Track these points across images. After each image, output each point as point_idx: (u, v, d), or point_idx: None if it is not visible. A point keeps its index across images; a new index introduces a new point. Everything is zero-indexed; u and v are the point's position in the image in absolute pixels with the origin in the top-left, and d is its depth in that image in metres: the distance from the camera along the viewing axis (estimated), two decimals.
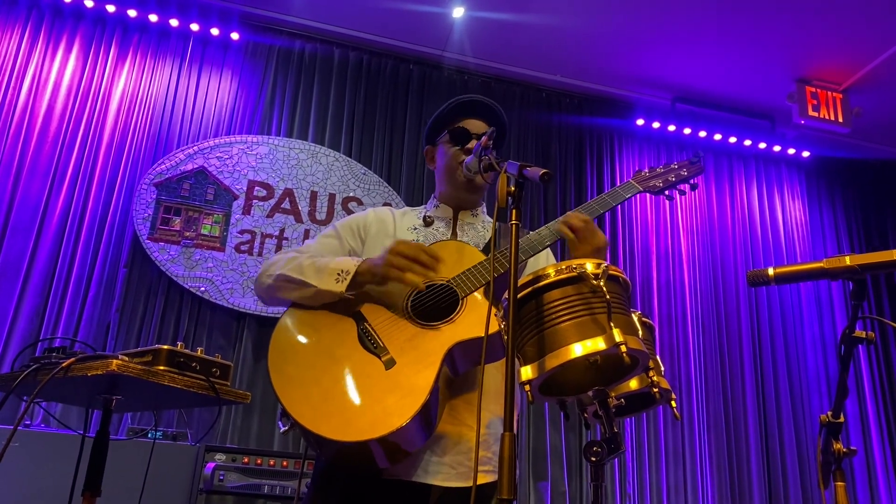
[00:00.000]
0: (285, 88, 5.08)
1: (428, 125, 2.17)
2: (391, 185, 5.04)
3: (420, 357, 1.67)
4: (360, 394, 1.65)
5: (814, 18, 4.83)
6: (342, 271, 1.78)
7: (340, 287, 1.76)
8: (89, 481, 1.93)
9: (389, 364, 1.68)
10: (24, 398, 1.91)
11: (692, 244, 5.64)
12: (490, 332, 1.43)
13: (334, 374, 1.69)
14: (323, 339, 1.77)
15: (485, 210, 2.17)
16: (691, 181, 2.08)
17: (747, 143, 5.97)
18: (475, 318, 1.71)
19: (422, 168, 5.17)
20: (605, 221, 5.41)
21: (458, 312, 1.74)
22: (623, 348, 1.32)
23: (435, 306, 1.78)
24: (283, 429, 1.68)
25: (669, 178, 2.06)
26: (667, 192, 2.06)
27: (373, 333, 1.75)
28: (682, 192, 2.08)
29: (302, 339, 1.79)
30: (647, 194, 2.04)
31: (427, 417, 1.64)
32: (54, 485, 3.03)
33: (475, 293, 1.76)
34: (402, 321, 1.76)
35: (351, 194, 4.91)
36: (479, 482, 1.73)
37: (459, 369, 1.75)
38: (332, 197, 4.88)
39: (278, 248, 4.65)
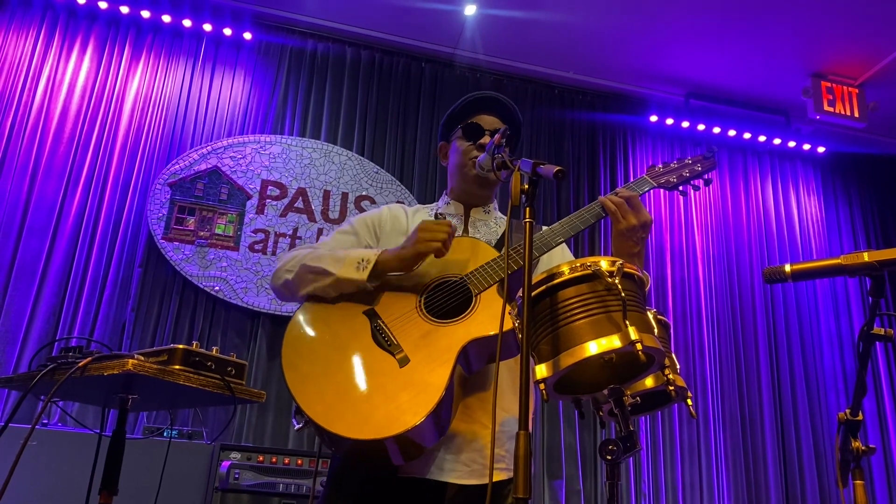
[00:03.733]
0: (298, 88, 5.10)
1: (442, 121, 2.16)
2: (403, 183, 5.04)
3: (434, 355, 1.67)
4: (374, 392, 1.65)
5: (829, 13, 4.78)
6: (363, 260, 1.78)
7: (362, 275, 1.76)
8: (106, 480, 1.94)
9: (403, 362, 1.68)
10: (42, 397, 1.93)
11: (707, 241, 5.61)
12: (504, 329, 1.42)
13: (348, 372, 1.69)
14: (337, 336, 1.77)
15: (496, 207, 2.16)
16: (705, 176, 2.05)
17: (762, 138, 5.93)
18: (489, 315, 1.71)
19: (434, 166, 5.17)
20: None
21: (471, 309, 1.73)
22: (639, 346, 1.31)
23: (449, 303, 1.78)
24: (297, 426, 1.67)
25: (683, 174, 2.03)
26: (680, 188, 2.04)
27: (386, 331, 1.74)
28: (696, 188, 2.05)
29: (316, 336, 1.78)
30: (661, 190, 2.02)
31: (441, 415, 1.63)
32: (72, 483, 3.06)
33: (489, 290, 1.75)
34: (415, 318, 1.75)
35: (363, 193, 4.92)
36: (493, 480, 1.72)
37: (473, 367, 1.74)
38: (344, 196, 4.88)
39: (292, 247, 4.64)
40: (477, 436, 1.76)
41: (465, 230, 2.05)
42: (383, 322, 1.76)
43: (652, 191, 2.01)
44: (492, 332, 1.66)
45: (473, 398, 1.78)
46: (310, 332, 1.79)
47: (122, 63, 4.81)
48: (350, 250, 1.86)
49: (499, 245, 1.94)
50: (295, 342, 1.77)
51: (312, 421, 1.62)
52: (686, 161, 2.06)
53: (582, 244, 5.20)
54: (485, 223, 2.08)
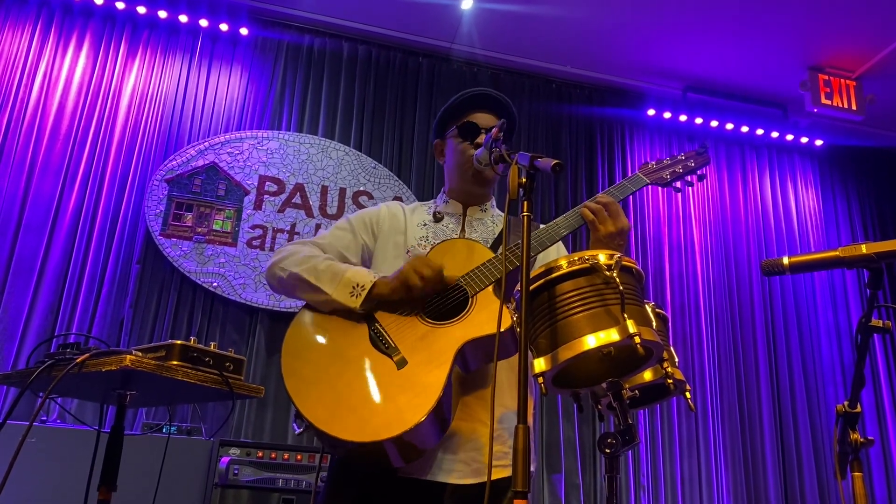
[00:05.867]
0: (295, 83, 5.09)
1: (437, 118, 2.16)
2: (401, 178, 5.03)
3: (432, 356, 1.68)
4: (373, 394, 1.65)
5: (826, 5, 4.78)
6: (357, 285, 1.79)
7: (355, 303, 1.77)
8: (105, 476, 1.94)
9: (401, 364, 1.69)
10: (40, 394, 1.93)
11: (705, 234, 5.61)
12: (503, 326, 1.42)
13: (347, 376, 1.70)
14: (335, 340, 1.78)
15: (494, 204, 2.16)
16: (699, 172, 2.07)
17: (760, 132, 5.92)
18: (485, 315, 1.71)
19: (432, 161, 5.16)
20: None
21: (468, 310, 1.74)
22: (637, 339, 1.31)
23: (445, 305, 1.78)
24: (297, 431, 1.68)
25: (676, 170, 2.04)
26: (675, 184, 2.05)
27: (384, 334, 1.75)
28: (690, 184, 2.07)
29: (314, 340, 1.80)
30: (656, 186, 2.03)
31: (440, 415, 1.64)
32: (70, 480, 3.05)
33: (485, 290, 1.76)
34: (412, 321, 1.76)
35: (361, 188, 4.91)
36: (493, 477, 1.72)
37: (471, 366, 1.74)
38: (342, 191, 4.88)
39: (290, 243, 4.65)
40: (476, 434, 1.77)
41: (463, 229, 2.05)
42: (381, 325, 1.77)
43: (646, 186, 2.02)
44: (488, 332, 1.66)
45: (472, 396, 1.79)
46: (308, 336, 1.81)
47: (118, 59, 4.80)
48: (348, 268, 1.85)
49: (496, 243, 1.94)
50: (294, 348, 1.79)
51: (313, 425, 1.63)
52: (679, 157, 2.08)
53: (580, 240, 5.19)
54: (482, 221, 2.08)
